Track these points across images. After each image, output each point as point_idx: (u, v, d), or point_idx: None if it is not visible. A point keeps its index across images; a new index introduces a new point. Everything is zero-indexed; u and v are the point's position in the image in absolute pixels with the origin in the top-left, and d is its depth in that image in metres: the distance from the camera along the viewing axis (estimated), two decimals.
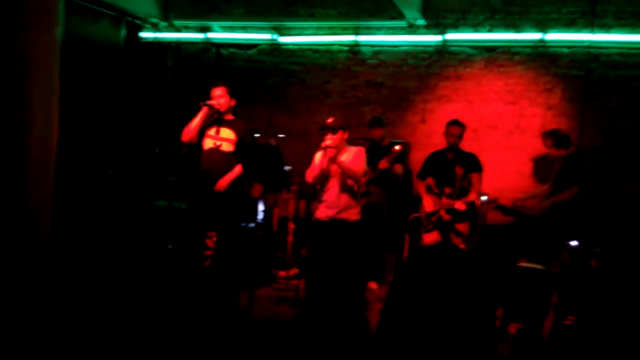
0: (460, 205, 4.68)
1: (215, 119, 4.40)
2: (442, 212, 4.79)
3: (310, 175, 4.36)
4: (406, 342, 2.49)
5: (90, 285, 4.27)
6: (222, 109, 4.38)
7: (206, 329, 3.72)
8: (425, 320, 2.51)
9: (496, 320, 3.82)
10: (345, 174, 4.31)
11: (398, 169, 5.26)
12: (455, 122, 4.95)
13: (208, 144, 4.38)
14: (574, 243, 4.46)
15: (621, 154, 5.50)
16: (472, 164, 4.91)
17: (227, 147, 4.36)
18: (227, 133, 4.38)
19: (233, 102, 4.45)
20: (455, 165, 4.86)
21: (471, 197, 4.74)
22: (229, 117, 4.45)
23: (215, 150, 4.33)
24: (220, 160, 4.34)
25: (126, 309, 3.90)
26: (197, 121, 4.28)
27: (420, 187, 5.09)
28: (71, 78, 5.73)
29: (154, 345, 3.39)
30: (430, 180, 5.03)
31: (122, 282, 4.43)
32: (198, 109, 4.29)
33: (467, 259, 3.58)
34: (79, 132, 6.03)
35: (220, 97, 4.37)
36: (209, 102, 4.31)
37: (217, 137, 4.36)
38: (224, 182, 4.28)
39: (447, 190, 4.84)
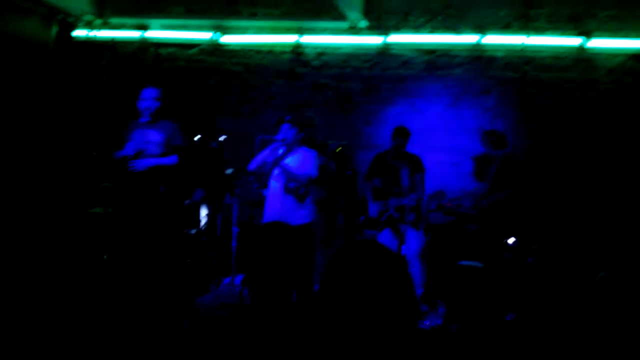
0: (408, 202, 4.75)
1: (141, 123, 4.31)
2: (392, 212, 4.84)
3: (253, 163, 4.30)
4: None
5: (21, 295, 4.02)
6: (151, 112, 4.29)
7: (144, 340, 3.57)
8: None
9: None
10: (289, 178, 4.27)
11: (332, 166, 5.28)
12: (401, 128, 5.03)
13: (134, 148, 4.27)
14: (511, 240, 4.61)
15: (553, 153, 5.73)
16: (416, 164, 5.00)
17: (153, 150, 4.27)
18: (152, 135, 4.29)
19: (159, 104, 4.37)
20: (400, 166, 4.93)
21: (417, 194, 4.83)
22: (156, 119, 4.35)
23: (141, 154, 4.23)
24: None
25: (60, 321, 3.70)
26: None
27: (367, 188, 5.12)
28: None
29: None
30: (376, 182, 5.08)
31: (56, 293, 4.20)
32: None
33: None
34: (8, 136, 5.69)
35: (154, 99, 4.28)
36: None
37: (142, 141, 4.25)
38: (145, 164, 4.19)
39: (394, 189, 4.90)
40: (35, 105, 6.09)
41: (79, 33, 6.78)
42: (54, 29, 6.56)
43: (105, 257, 4.60)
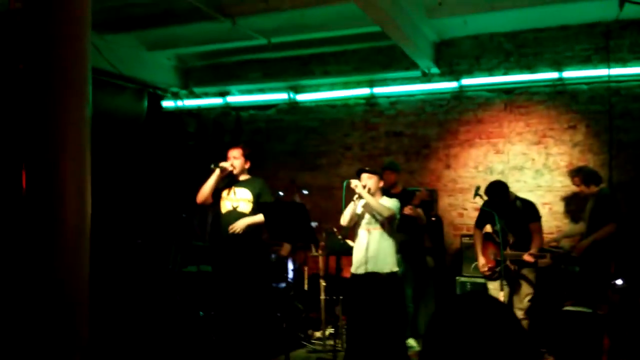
0: (528, 258, 4.37)
1: (230, 181, 4.45)
2: (508, 263, 4.46)
3: (344, 218, 4.30)
4: None
5: (124, 356, 4.18)
6: (236, 171, 4.43)
7: None
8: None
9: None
10: (376, 214, 4.21)
11: (421, 214, 5.10)
12: (493, 186, 4.61)
13: (226, 207, 4.40)
14: (619, 282, 4.27)
15: None
16: (531, 212, 4.60)
17: (244, 207, 4.38)
18: (243, 193, 4.41)
19: (248, 164, 4.51)
20: (518, 213, 4.56)
21: (535, 247, 4.43)
22: (244, 177, 4.49)
23: (234, 211, 4.36)
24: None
25: None
26: (210, 183, 4.34)
27: (477, 236, 4.75)
28: (98, 150, 5.89)
29: None
30: (488, 229, 4.74)
31: (157, 352, 4.33)
32: (210, 172, 4.35)
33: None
34: (107, 202, 6.11)
35: (235, 158, 4.44)
36: (221, 163, 4.36)
37: (233, 198, 4.38)
38: (241, 224, 4.26)
39: (511, 239, 4.52)
40: (132, 171, 6.55)
41: (167, 104, 7.33)
42: (145, 102, 7.13)
43: (201, 314, 4.71)
